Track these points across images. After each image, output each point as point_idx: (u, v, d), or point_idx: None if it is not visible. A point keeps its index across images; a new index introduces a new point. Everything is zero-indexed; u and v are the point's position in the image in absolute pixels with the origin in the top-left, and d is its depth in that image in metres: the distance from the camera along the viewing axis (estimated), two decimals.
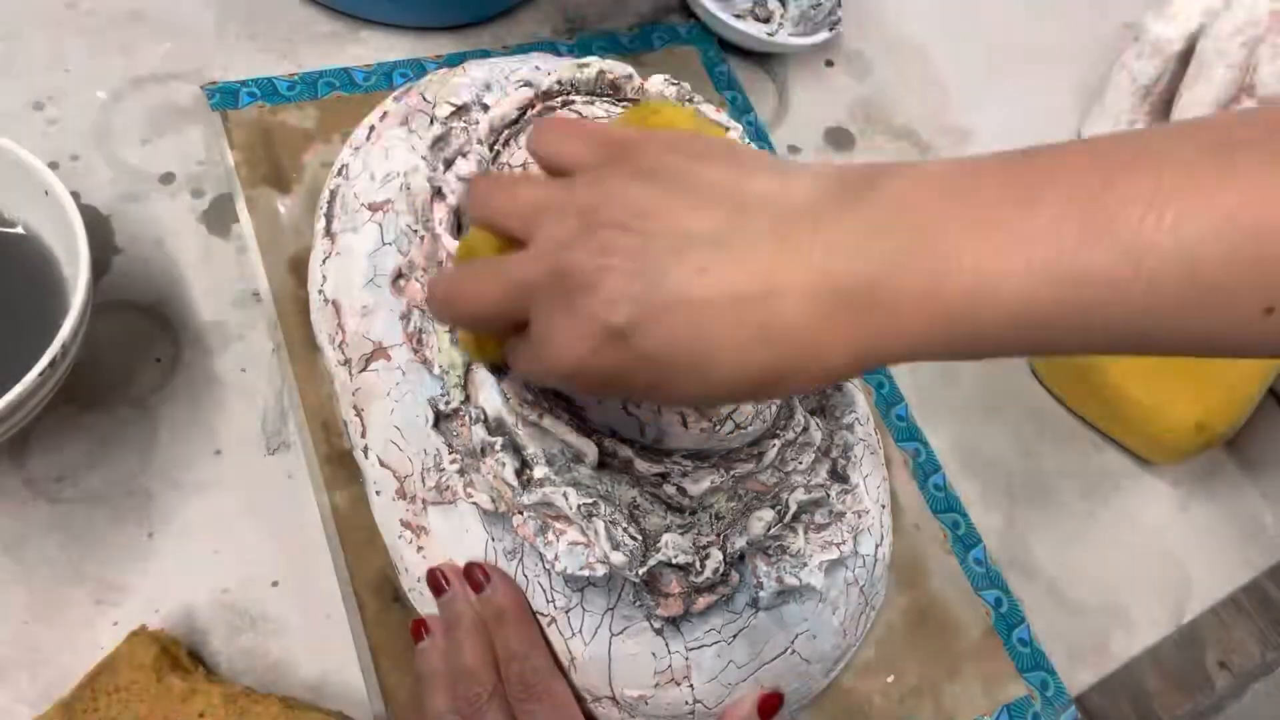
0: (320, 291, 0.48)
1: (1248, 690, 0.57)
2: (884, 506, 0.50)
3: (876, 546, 0.49)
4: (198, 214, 0.52)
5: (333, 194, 0.50)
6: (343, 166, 0.50)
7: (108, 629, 0.41)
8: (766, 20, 0.69)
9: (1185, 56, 0.68)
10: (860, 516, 0.46)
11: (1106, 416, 0.60)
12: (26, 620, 0.41)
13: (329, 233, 0.48)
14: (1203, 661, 0.56)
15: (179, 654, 0.40)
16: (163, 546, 0.43)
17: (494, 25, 0.65)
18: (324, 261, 0.48)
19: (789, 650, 0.44)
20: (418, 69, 0.59)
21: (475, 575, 0.41)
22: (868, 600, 0.48)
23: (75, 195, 0.41)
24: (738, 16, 0.67)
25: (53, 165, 0.49)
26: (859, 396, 0.49)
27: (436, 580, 0.41)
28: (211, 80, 0.55)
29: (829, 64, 0.73)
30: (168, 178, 0.52)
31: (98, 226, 0.50)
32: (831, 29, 0.69)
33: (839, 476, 0.47)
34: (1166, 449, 0.58)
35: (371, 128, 0.51)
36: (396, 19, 0.61)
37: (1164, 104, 0.71)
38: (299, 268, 0.50)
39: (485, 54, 0.63)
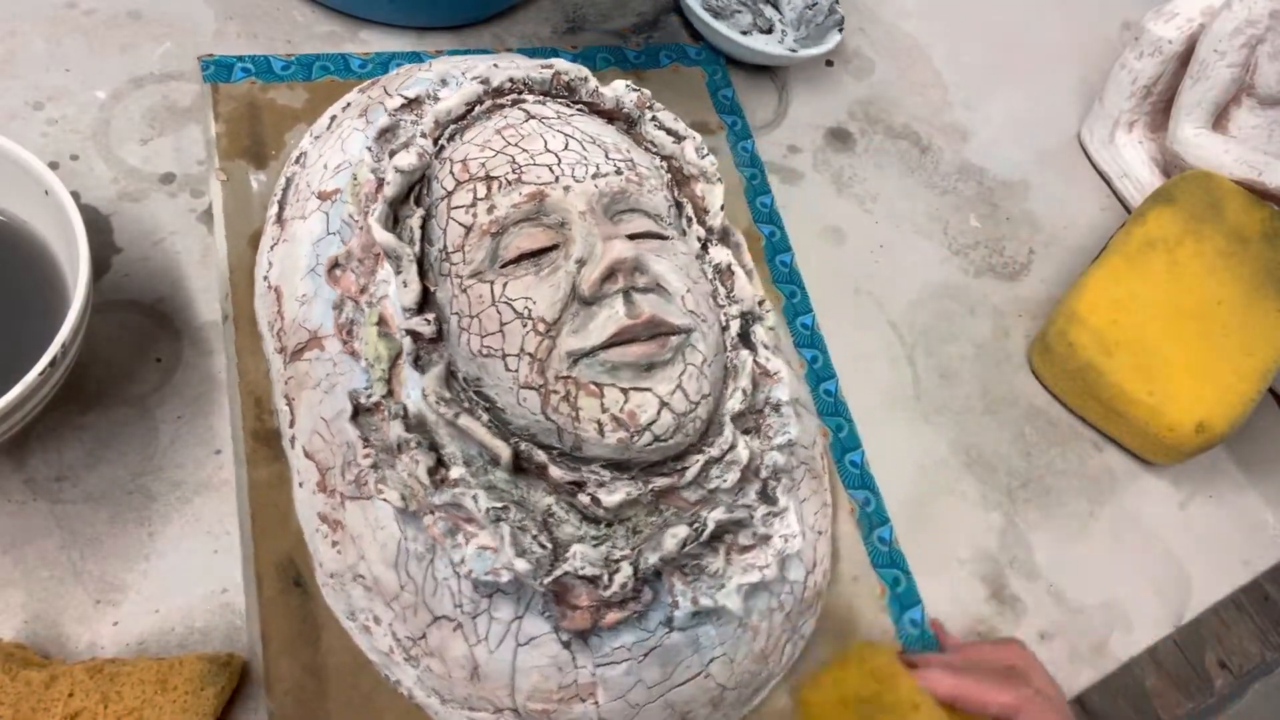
0: (265, 278, 0.47)
1: (1248, 690, 0.57)
2: (821, 533, 0.49)
3: (808, 574, 0.47)
4: (198, 214, 0.52)
5: (289, 181, 0.49)
6: (301, 154, 0.50)
7: (108, 629, 0.41)
8: (768, 30, 0.69)
9: (1185, 56, 0.68)
10: (788, 541, 0.43)
11: (1106, 416, 0.60)
12: (26, 620, 0.41)
13: (280, 219, 0.48)
14: (1203, 661, 0.56)
15: (27, 654, 0.39)
16: (163, 546, 0.43)
17: (494, 25, 0.65)
18: (272, 248, 0.48)
19: (703, 674, 0.42)
20: (415, 60, 0.59)
21: None
22: (795, 628, 0.46)
23: (75, 195, 0.41)
24: (744, 33, 0.67)
25: (53, 165, 0.49)
26: (795, 421, 0.46)
27: None
28: (209, 54, 0.56)
29: (829, 64, 0.73)
30: (168, 178, 0.52)
31: (98, 226, 0.50)
32: (840, 30, 0.69)
33: (768, 498, 0.44)
34: (1166, 449, 0.58)
35: (333, 117, 0.51)
36: (396, 19, 0.61)
37: (1164, 104, 0.72)
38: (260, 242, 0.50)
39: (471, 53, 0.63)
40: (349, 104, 0.51)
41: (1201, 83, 0.66)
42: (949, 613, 0.53)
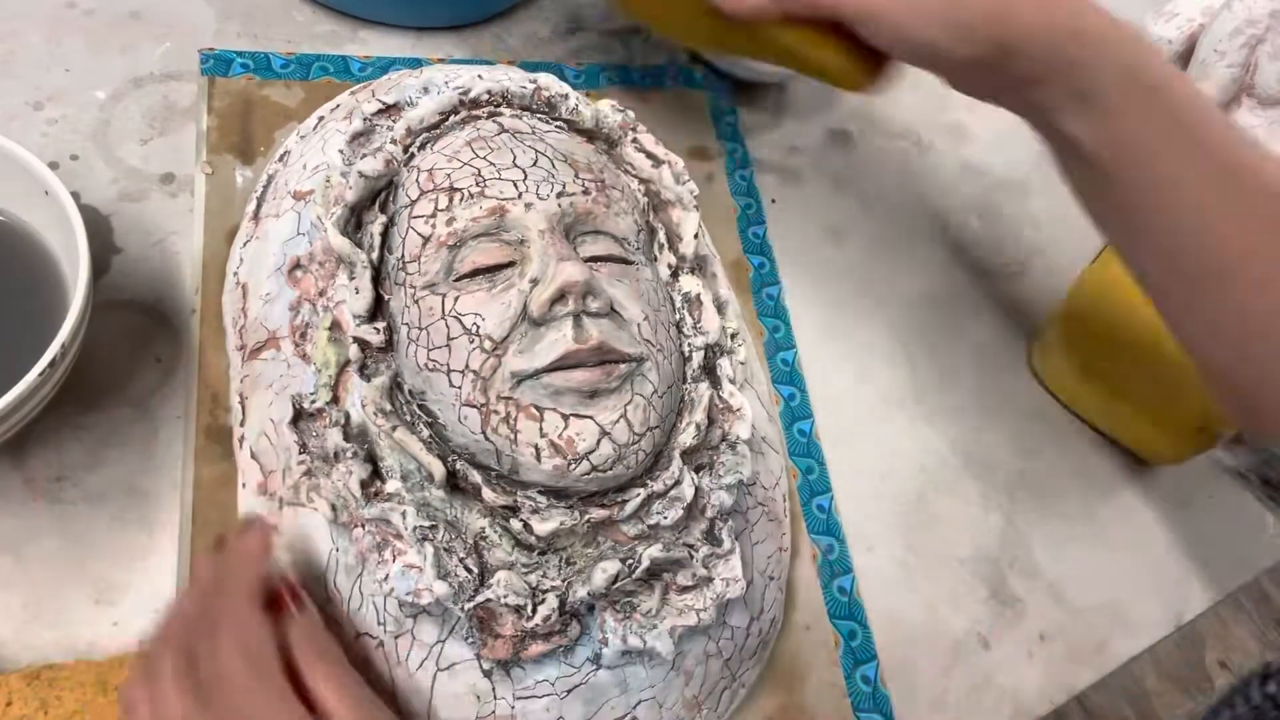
0: (235, 274, 0.47)
1: None
2: (773, 579, 0.47)
3: (752, 620, 0.45)
4: None
5: (270, 179, 0.49)
6: (284, 153, 0.50)
7: (107, 629, 0.41)
8: None
9: (1185, 56, 0.68)
10: (729, 585, 0.42)
11: (1106, 416, 0.60)
12: (26, 620, 0.41)
13: (256, 216, 0.48)
14: (1202, 661, 0.56)
15: None
16: (163, 546, 0.43)
17: (494, 25, 0.65)
18: (245, 244, 0.48)
19: (628, 716, 0.41)
20: (414, 65, 0.59)
21: (288, 596, 0.36)
22: (734, 676, 0.45)
23: (75, 195, 0.41)
24: None
25: (53, 165, 0.49)
26: (749, 460, 0.45)
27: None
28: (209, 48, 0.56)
29: None
30: (168, 178, 0.52)
31: (98, 226, 0.50)
32: None
33: (713, 539, 0.43)
34: (1166, 449, 0.58)
35: (321, 118, 0.51)
36: (396, 19, 0.61)
37: None
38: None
39: (481, 61, 0.63)
40: (338, 105, 0.51)
41: (1202, 83, 0.66)
42: (948, 612, 0.53)
